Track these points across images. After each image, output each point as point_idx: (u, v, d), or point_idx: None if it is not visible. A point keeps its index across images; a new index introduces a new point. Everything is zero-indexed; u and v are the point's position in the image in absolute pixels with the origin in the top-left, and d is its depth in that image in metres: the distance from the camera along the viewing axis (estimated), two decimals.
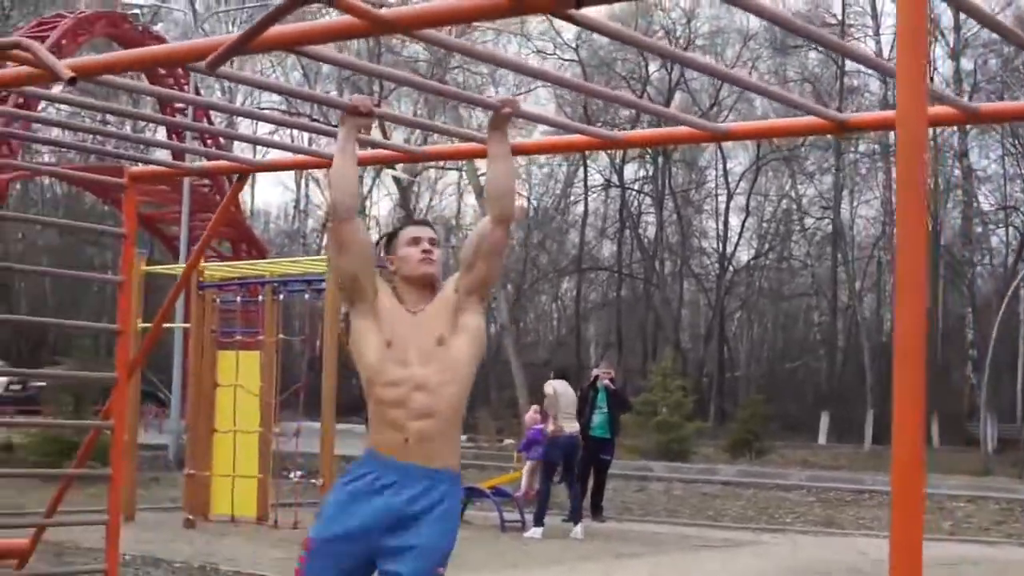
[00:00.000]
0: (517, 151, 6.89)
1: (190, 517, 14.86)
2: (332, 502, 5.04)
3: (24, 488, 16.91)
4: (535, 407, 17.44)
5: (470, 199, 58.52)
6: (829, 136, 40.85)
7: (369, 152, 6.82)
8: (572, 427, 15.93)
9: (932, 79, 47.21)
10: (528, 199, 55.07)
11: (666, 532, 16.60)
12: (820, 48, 46.97)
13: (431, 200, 56.99)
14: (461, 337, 5.06)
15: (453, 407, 5.03)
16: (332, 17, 4.01)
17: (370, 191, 54.56)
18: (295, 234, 61.73)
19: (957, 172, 45.86)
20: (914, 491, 3.07)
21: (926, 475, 3.13)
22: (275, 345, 14.93)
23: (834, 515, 18.68)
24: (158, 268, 17.51)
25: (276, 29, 3.96)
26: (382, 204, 57.77)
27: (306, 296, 14.96)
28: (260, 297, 15.09)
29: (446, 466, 5.02)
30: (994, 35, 37.89)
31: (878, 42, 46.11)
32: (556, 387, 15.97)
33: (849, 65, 44.73)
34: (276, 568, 11.87)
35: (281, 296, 14.81)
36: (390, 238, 5.37)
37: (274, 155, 9.79)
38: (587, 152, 46.87)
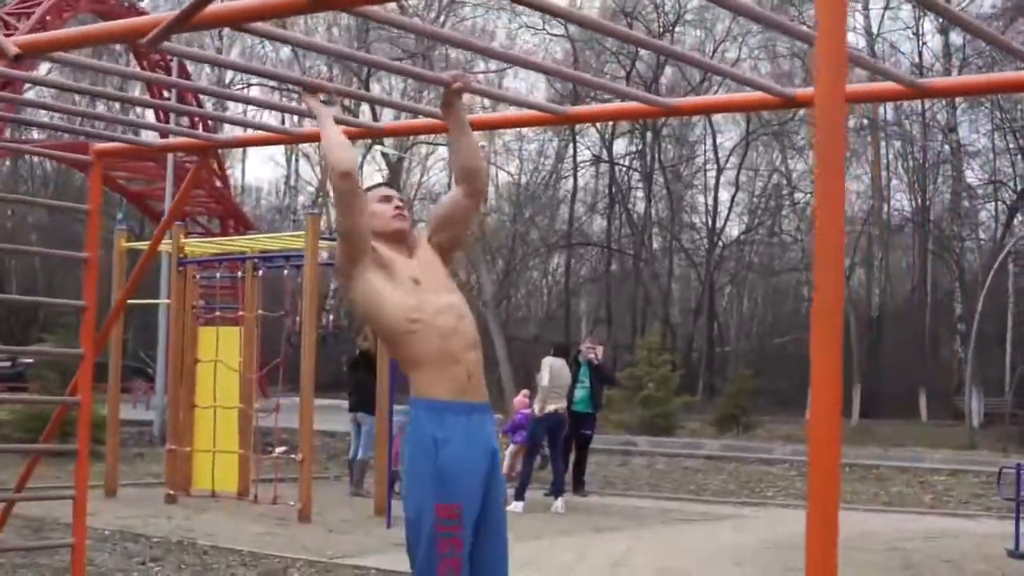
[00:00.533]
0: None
1: (171, 492, 14.91)
2: (452, 463, 4.87)
3: (9, 463, 16.95)
4: (525, 391, 17.44)
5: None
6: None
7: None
8: (559, 404, 15.95)
9: (921, 54, 47.32)
10: (518, 175, 55.22)
11: (647, 506, 16.68)
12: (809, 24, 47.18)
13: (421, 176, 57.04)
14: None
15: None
16: None
17: (360, 167, 54.54)
18: (286, 210, 61.75)
19: (946, 147, 45.90)
20: (831, 461, 3.12)
21: (841, 446, 3.18)
22: (255, 321, 14.98)
23: None
24: (139, 244, 17.54)
25: (215, 7, 3.99)
26: (372, 180, 57.79)
27: (285, 272, 14.98)
28: (239, 273, 15.12)
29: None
30: (984, 9, 37.70)
31: (867, 16, 46.21)
32: (553, 366, 15.95)
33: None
34: (254, 543, 11.95)
35: (260, 272, 14.83)
36: None
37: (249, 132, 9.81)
38: (576, 127, 46.89)
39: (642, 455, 22.87)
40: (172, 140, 7.10)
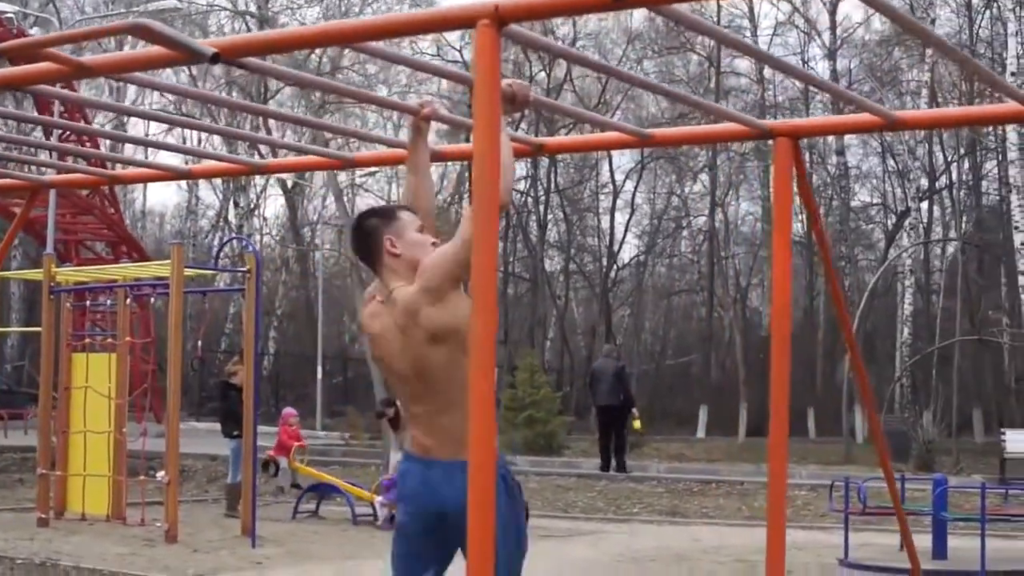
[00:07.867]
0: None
1: (42, 516, 15.18)
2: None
3: None
4: None
5: (360, 202, 58.65)
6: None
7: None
8: None
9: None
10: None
11: None
12: (698, 52, 48.12)
13: (324, 203, 56.81)
14: None
15: None
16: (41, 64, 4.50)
17: (262, 191, 54.82)
18: (188, 234, 61.61)
19: (835, 170, 47.13)
20: None
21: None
22: (127, 347, 15.31)
23: (679, 505, 19.33)
24: (8, 274, 17.83)
25: None
26: (271, 205, 58.03)
27: (152, 300, 15.36)
28: (108, 301, 15.44)
29: None
30: (868, 37, 38.93)
31: (756, 41, 47.23)
32: None
33: (725, 66, 46.68)
34: (117, 563, 12.26)
35: (128, 300, 15.16)
36: (387, 215, 5.21)
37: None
38: None
39: (518, 474, 23.30)
40: None
